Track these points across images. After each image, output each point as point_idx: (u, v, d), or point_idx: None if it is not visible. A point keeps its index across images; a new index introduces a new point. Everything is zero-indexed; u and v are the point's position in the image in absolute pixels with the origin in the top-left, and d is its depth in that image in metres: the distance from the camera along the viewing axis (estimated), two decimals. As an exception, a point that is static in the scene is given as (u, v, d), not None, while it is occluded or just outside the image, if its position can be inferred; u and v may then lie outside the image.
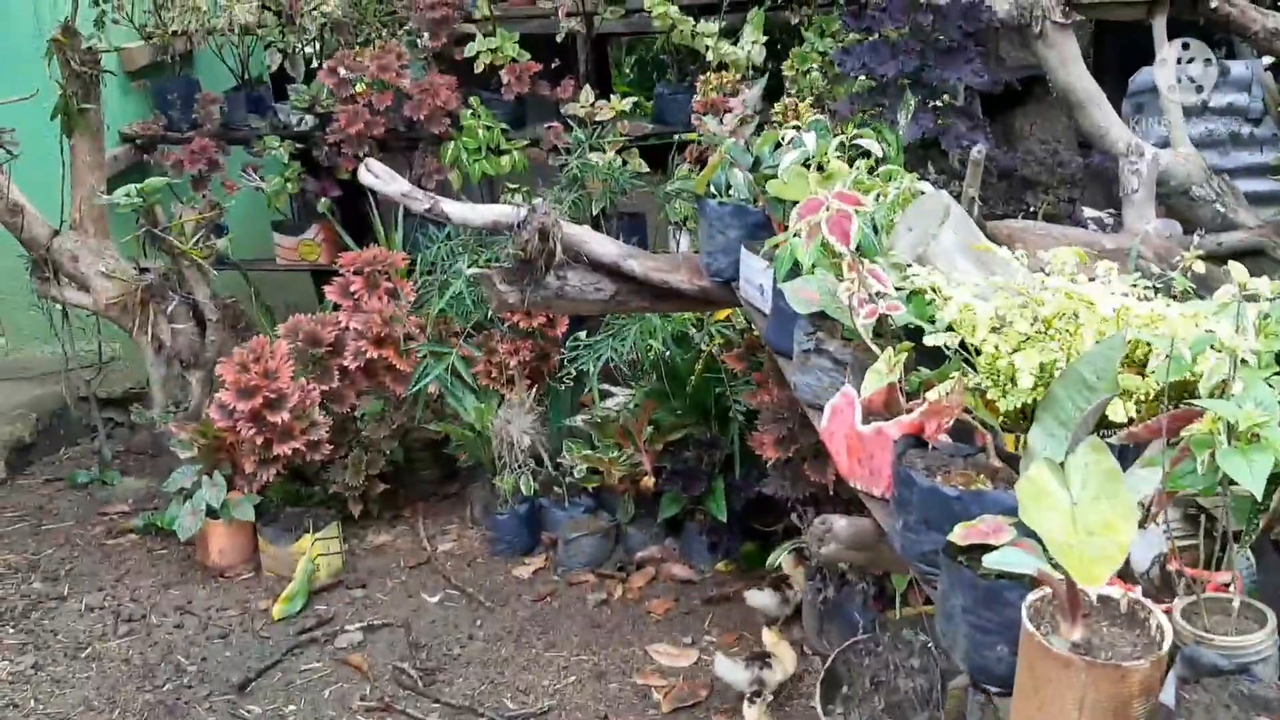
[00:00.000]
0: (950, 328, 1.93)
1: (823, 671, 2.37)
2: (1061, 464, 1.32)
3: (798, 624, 3.30)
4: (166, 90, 4.82)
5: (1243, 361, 1.44)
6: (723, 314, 3.74)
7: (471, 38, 4.55)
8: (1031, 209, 3.46)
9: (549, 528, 3.86)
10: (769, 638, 3.07)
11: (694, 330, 3.79)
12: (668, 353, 3.73)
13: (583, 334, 3.95)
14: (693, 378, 3.72)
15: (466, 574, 3.79)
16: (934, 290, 1.95)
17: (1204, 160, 3.61)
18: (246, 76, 4.86)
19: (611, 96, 4.37)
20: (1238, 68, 4.31)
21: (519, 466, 3.65)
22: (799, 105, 4.00)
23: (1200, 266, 1.97)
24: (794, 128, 2.72)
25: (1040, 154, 3.53)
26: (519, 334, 3.87)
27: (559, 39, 4.51)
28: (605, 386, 3.91)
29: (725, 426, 3.69)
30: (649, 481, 3.70)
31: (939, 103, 3.33)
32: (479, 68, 4.49)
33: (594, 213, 4.23)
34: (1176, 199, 3.50)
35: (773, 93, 4.24)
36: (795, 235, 2.32)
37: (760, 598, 3.32)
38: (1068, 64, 3.57)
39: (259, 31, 4.72)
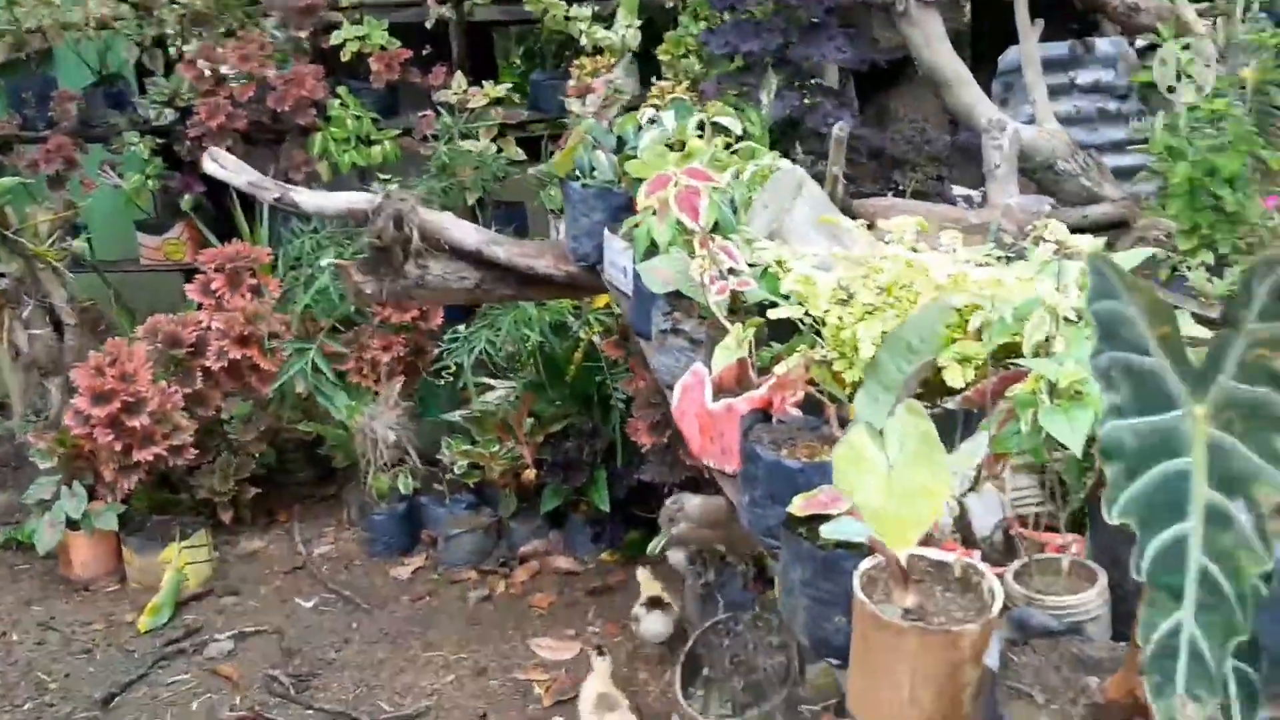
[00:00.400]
0: (800, 301, 1.90)
1: (682, 654, 2.33)
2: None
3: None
4: (20, 88, 4.60)
5: (1065, 320, 1.42)
6: (602, 301, 3.69)
7: (339, 26, 4.43)
8: (901, 187, 3.47)
9: (430, 525, 3.77)
10: (644, 575, 3.12)
11: (572, 318, 3.73)
12: (545, 343, 3.66)
13: (462, 327, 3.86)
14: (572, 367, 3.66)
15: (343, 577, 3.69)
16: (778, 263, 1.92)
17: (1069, 136, 3.65)
18: (105, 72, 4.66)
19: (485, 83, 4.28)
20: (1103, 45, 4.39)
21: (385, 465, 3.55)
22: (675, 89, 3.97)
23: (1052, 236, 1.97)
24: (653, 107, 2.68)
25: (909, 133, 3.54)
26: (391, 329, 3.77)
27: (428, 25, 4.41)
28: (485, 380, 3.83)
29: (607, 415, 3.64)
30: (531, 474, 3.63)
31: (805, 81, 3.31)
32: (346, 56, 4.37)
33: (470, 202, 4.15)
34: (1042, 174, 3.53)
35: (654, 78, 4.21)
36: (650, 213, 2.28)
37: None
38: (932, 43, 3.57)
39: (116, 25, 4.52)
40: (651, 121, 2.70)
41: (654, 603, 3.06)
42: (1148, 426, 0.94)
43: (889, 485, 1.23)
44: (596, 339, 3.61)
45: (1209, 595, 0.94)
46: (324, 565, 3.75)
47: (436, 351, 3.82)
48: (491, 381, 3.78)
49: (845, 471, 1.25)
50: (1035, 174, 3.52)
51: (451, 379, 3.88)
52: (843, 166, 2.97)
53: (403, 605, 3.52)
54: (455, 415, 3.75)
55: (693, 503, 2.02)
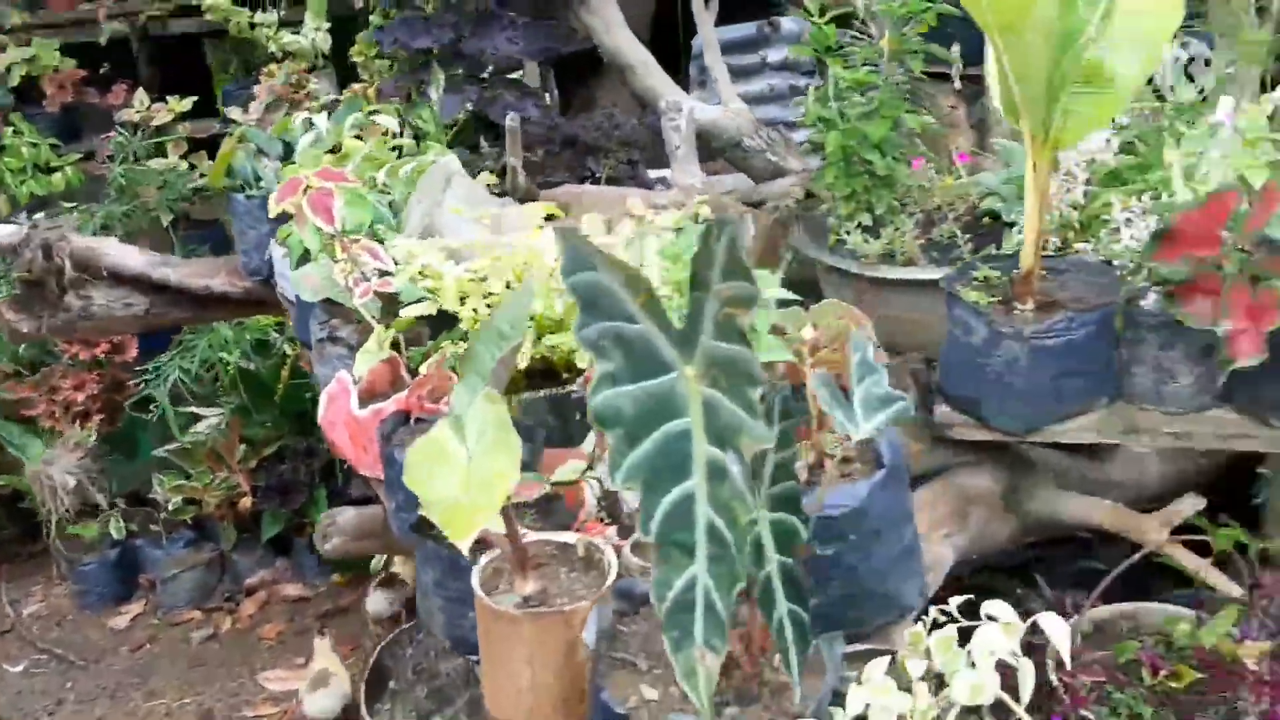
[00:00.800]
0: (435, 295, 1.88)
1: (366, 671, 2.29)
2: (467, 420, 1.28)
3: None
4: None
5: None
6: (308, 315, 3.57)
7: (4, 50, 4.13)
8: (596, 174, 3.50)
9: (147, 569, 3.57)
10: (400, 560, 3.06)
11: (276, 335, 3.59)
12: (250, 364, 3.52)
13: (164, 356, 3.66)
14: (280, 386, 3.53)
15: (55, 635, 3.45)
16: (408, 259, 1.89)
17: (753, 114, 3.76)
18: None
19: (169, 98, 4.08)
20: (788, 24, 4.55)
21: (68, 512, 3.34)
22: (367, 90, 3.88)
23: (707, 211, 2.02)
24: (307, 110, 2.61)
25: (599, 119, 3.57)
26: (83, 366, 3.53)
27: (102, 42, 4.17)
28: (194, 410, 3.65)
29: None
30: (248, 502, 3.48)
31: (483, 75, 3.29)
32: (14, 81, 4.08)
33: (165, 223, 3.94)
34: (731, 152, 3.63)
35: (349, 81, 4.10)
36: (291, 219, 2.21)
37: None
38: (612, 30, 3.62)
39: None
40: (309, 125, 2.63)
41: (386, 582, 2.99)
42: (644, 392, 0.95)
43: (468, 477, 1.21)
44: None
45: (717, 547, 0.96)
46: (34, 625, 3.50)
47: (136, 385, 3.62)
48: (200, 410, 3.60)
49: (418, 467, 1.22)
50: (725, 152, 3.62)
51: (161, 412, 3.69)
52: (520, 156, 2.97)
53: (121, 656, 3.32)
54: (163, 450, 3.56)
55: (346, 516, 1.97)
